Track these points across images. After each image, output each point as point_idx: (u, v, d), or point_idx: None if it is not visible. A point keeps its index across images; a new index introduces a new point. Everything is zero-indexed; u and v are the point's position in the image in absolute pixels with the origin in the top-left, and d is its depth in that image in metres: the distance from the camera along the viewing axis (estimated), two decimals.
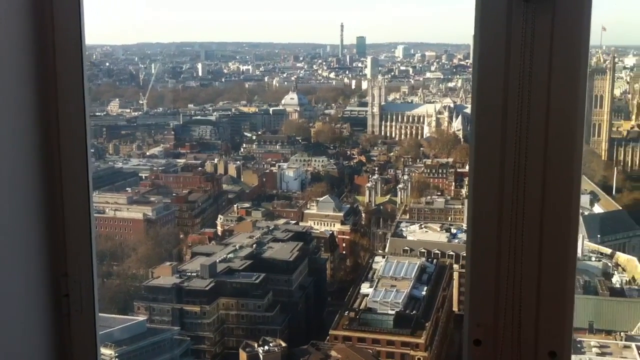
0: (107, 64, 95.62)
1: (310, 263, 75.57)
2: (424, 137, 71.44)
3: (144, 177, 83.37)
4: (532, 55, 2.60)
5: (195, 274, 68.70)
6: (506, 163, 2.66)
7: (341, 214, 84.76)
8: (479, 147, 2.74)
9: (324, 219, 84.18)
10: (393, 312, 60.89)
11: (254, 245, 73.29)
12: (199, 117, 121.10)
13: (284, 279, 70.38)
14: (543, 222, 2.65)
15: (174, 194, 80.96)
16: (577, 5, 2.59)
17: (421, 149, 72.39)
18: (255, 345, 59.97)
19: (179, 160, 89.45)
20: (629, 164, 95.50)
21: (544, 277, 2.67)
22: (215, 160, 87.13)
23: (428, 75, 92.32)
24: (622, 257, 61.43)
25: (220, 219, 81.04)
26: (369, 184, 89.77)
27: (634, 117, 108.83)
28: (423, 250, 50.40)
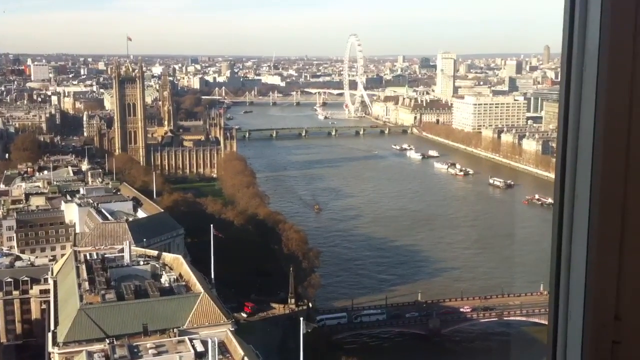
0: None
1: None
2: None
3: None
4: None
5: None
6: None
7: None
8: None
9: None
10: None
11: None
12: None
13: None
14: None
15: None
16: None
17: None
18: None
19: None
20: (167, 168, 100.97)
21: None
22: None
23: None
24: (168, 256, 64.65)
25: None
26: None
27: (166, 123, 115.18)
28: None
